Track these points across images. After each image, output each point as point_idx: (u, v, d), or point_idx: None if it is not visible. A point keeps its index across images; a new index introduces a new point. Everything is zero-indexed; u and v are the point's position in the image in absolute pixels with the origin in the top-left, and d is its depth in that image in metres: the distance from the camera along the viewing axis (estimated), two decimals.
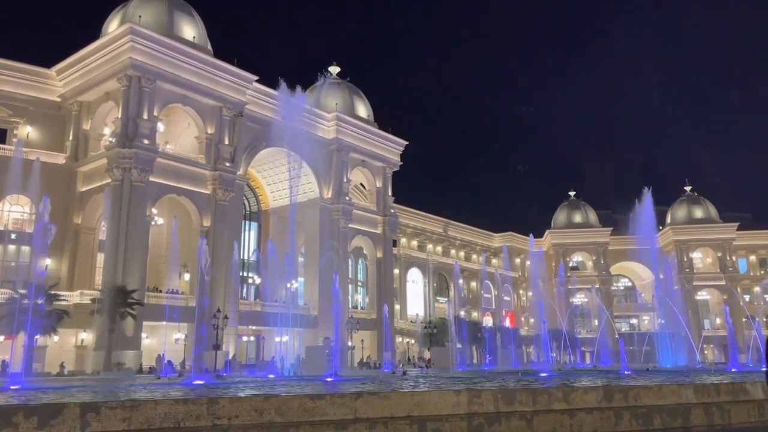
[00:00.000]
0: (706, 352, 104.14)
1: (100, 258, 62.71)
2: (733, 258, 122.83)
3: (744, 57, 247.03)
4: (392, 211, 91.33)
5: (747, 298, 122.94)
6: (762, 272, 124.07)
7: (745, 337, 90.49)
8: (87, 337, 59.32)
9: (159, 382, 28.74)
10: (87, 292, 59.90)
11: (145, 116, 61.38)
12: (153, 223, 63.83)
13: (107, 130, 66.00)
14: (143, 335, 59.45)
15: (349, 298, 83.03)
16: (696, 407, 14.38)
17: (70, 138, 66.38)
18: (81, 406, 10.31)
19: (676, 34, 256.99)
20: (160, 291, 63.09)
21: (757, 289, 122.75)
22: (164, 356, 48.63)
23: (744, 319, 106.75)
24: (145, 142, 60.49)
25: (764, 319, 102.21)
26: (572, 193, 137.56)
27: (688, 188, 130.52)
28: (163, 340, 56.11)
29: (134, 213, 58.93)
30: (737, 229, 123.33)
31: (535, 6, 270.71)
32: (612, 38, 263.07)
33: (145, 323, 58.34)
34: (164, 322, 55.36)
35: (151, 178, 60.79)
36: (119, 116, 61.34)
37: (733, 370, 36.78)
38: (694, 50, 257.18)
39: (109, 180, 59.89)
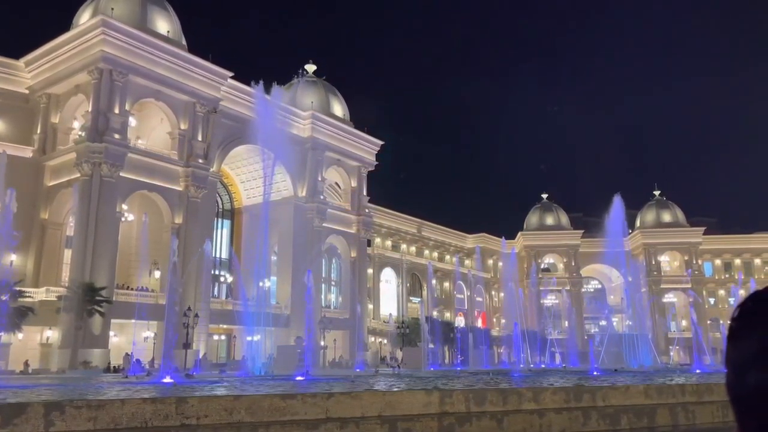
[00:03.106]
0: (672, 353, 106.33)
1: (68, 254, 61.41)
2: (699, 261, 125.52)
3: (716, 62, 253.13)
4: (367, 210, 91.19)
5: (712, 301, 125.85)
6: (726, 276, 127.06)
7: (710, 339, 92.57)
8: (53, 334, 58.02)
9: (126, 381, 28.29)
10: (53, 288, 58.57)
11: (117, 110, 60.27)
12: (123, 219, 62.71)
13: (77, 124, 64.64)
14: (111, 333, 58.39)
15: (322, 297, 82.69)
16: (661, 407, 14.65)
17: (38, 131, 64.87)
18: (45, 405, 10.07)
19: (649, 38, 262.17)
20: (130, 288, 62.03)
21: (721, 292, 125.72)
22: (133, 355, 47.79)
23: (709, 322, 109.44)
24: (116, 136, 59.39)
25: (728, 322, 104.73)
26: (545, 196, 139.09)
27: (657, 193, 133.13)
28: (131, 339, 55.14)
29: (104, 209, 57.83)
30: (703, 234, 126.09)
31: (509, 11, 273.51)
32: (585, 42, 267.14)
33: (113, 321, 57.34)
34: (133, 320, 54.44)
35: (122, 174, 59.73)
36: (89, 110, 60.15)
37: (697, 371, 37.61)
38: (667, 55, 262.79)
39: (78, 175, 58.67)
